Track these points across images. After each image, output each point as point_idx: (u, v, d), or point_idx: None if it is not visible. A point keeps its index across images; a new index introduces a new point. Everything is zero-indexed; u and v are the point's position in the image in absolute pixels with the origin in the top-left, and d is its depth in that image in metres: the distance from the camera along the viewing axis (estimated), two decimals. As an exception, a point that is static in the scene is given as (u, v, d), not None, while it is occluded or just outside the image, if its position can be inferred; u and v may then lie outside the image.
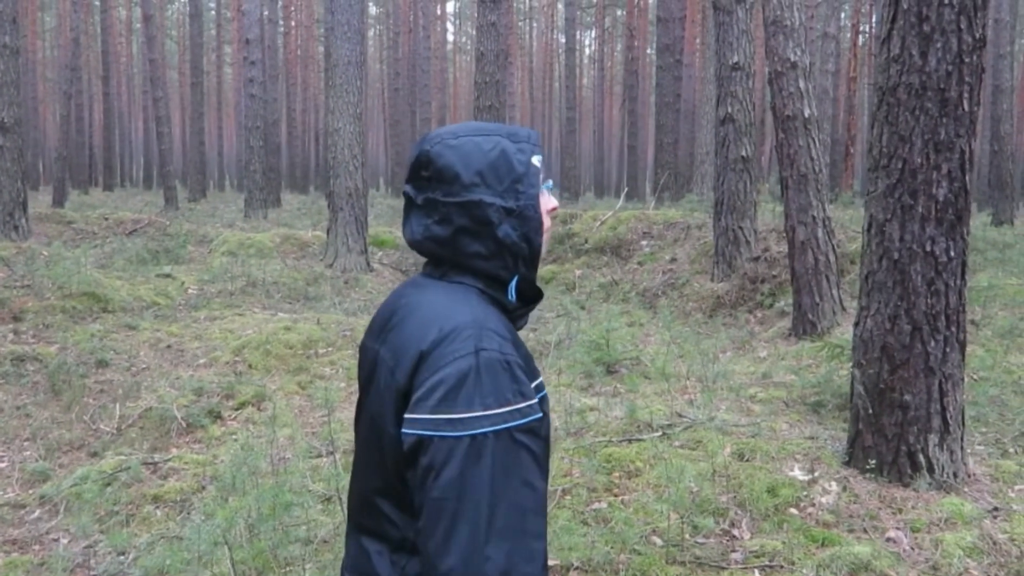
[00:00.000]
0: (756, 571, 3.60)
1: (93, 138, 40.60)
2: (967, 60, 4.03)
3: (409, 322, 1.50)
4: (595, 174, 45.35)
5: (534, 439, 1.37)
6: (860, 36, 24.75)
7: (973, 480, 4.36)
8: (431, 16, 38.00)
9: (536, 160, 1.53)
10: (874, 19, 26.99)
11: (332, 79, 12.62)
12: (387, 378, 1.47)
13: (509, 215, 1.49)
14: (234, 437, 5.76)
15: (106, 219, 14.69)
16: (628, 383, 6.63)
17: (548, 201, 1.59)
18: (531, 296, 1.57)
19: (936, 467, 4.24)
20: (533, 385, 1.44)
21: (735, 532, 3.90)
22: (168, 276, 10.54)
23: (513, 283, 1.53)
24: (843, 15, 29.37)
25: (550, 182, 1.64)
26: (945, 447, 4.27)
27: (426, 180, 1.53)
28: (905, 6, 4.10)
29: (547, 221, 1.58)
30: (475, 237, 1.50)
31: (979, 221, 17.30)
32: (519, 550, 1.31)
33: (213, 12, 49.73)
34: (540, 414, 1.40)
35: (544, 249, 1.59)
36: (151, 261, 12.00)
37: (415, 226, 1.56)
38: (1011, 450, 4.96)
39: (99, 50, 37.01)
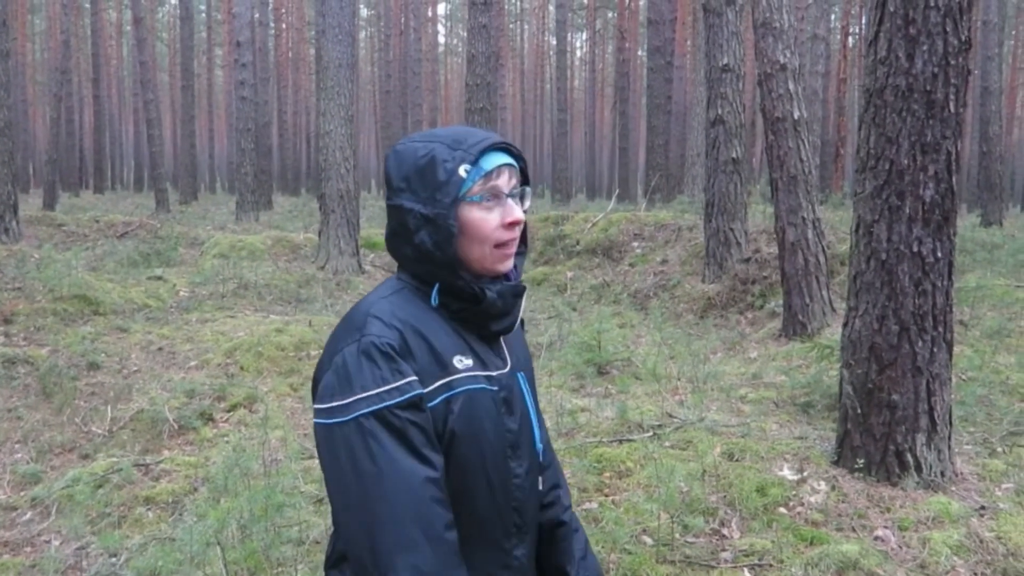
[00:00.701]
0: (745, 570, 3.62)
1: (83, 141, 40.48)
2: (953, 62, 4.06)
3: None
4: (586, 175, 45.46)
5: (417, 413, 1.43)
6: (850, 38, 24.88)
7: (961, 479, 4.39)
8: (422, 18, 38.03)
9: (463, 170, 1.50)
10: (864, 21, 27.10)
11: (323, 81, 12.63)
12: None
13: (427, 222, 1.51)
14: (226, 439, 5.77)
15: (97, 222, 14.65)
16: (619, 384, 6.66)
17: (509, 212, 1.56)
18: (468, 297, 1.55)
19: (924, 466, 4.28)
20: (441, 382, 1.48)
21: (725, 531, 3.93)
22: (159, 278, 10.53)
23: (435, 288, 1.55)
24: (833, 17, 29.49)
25: (528, 189, 1.62)
26: (933, 446, 4.30)
27: None
28: (891, 9, 4.14)
29: (502, 235, 1.55)
30: (402, 241, 1.55)
31: (968, 222, 17.43)
32: (414, 527, 1.38)
33: (204, 15, 49.68)
34: (421, 390, 1.44)
35: (501, 264, 1.57)
36: (142, 263, 11.99)
37: None
38: (999, 449, 5.00)
39: (89, 52, 36.93)
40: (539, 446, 1.67)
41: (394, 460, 1.38)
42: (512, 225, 1.56)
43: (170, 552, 3.69)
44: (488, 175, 1.53)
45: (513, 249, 1.59)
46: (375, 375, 1.41)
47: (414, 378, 1.44)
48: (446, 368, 1.49)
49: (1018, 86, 42.60)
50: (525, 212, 1.60)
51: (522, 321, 1.78)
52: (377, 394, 1.40)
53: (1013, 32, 41.75)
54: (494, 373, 1.57)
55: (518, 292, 1.62)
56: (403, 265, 1.59)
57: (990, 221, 17.59)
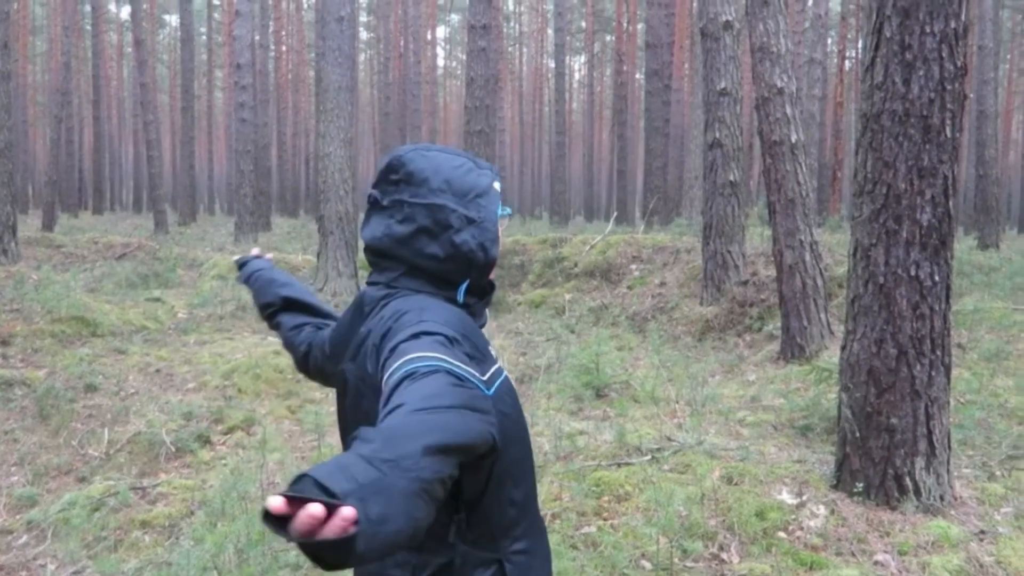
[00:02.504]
0: (745, 595, 3.60)
1: (83, 161, 40.54)
2: (949, 87, 4.09)
3: None
4: (584, 198, 45.52)
5: None
6: (846, 62, 25.04)
7: (960, 503, 4.38)
8: (421, 41, 38.25)
9: (497, 185, 1.67)
10: (860, 45, 27.29)
11: (323, 104, 12.69)
12: None
13: (470, 224, 1.61)
14: (223, 462, 5.75)
15: (96, 243, 14.67)
16: (617, 407, 6.65)
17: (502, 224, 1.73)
18: (482, 291, 1.69)
19: (923, 490, 4.27)
20: (493, 370, 1.58)
21: (724, 556, 3.91)
22: (158, 300, 10.53)
23: (464, 286, 1.64)
24: (829, 41, 29.68)
25: (508, 209, 1.75)
26: (932, 470, 4.29)
27: (395, 183, 1.64)
28: (888, 35, 4.17)
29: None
30: (433, 239, 1.60)
31: (965, 245, 17.44)
32: None
33: (204, 37, 49.92)
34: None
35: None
36: (141, 285, 11.98)
37: (376, 226, 1.66)
38: (998, 473, 4.99)
39: (90, 74, 37.09)
40: None
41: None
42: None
43: (166, 576, 3.68)
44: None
45: None
46: (454, 352, 1.51)
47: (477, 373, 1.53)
48: (490, 357, 1.62)
49: (1013, 109, 42.85)
50: None
51: None
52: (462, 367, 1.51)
53: (1008, 56, 42.04)
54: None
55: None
56: (416, 267, 1.63)
57: (987, 244, 17.60)
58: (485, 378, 1.49)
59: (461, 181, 1.62)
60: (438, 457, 1.12)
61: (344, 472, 1.02)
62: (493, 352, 1.64)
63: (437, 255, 1.60)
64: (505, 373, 1.64)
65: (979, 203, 18.75)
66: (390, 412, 1.24)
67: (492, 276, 1.75)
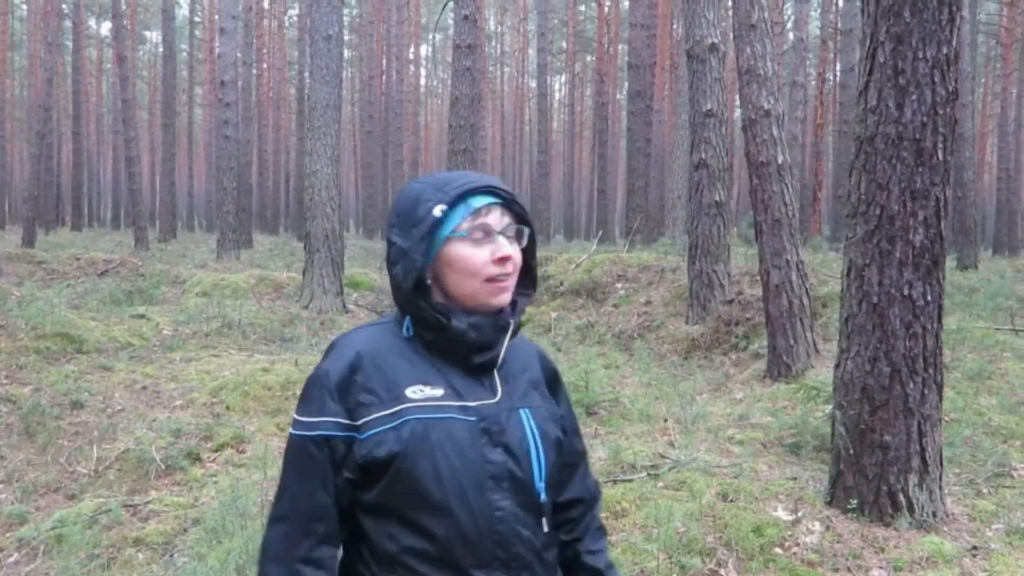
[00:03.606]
0: (744, 611, 3.63)
1: (61, 177, 40.29)
2: (941, 112, 4.18)
3: None
4: (565, 216, 45.67)
5: (322, 450, 1.58)
6: (826, 84, 25.35)
7: (952, 519, 4.44)
8: (403, 60, 38.35)
9: (438, 210, 1.57)
10: (838, 67, 27.63)
11: (310, 122, 12.71)
12: None
13: (403, 256, 1.60)
14: (214, 479, 5.71)
15: (78, 259, 14.56)
16: (608, 425, 6.68)
17: (499, 248, 1.59)
18: (435, 326, 1.59)
19: (916, 507, 4.32)
20: (390, 411, 1.55)
21: (722, 572, 3.94)
22: (142, 317, 10.45)
23: (407, 320, 1.63)
24: (809, 63, 30.03)
25: (525, 229, 1.65)
26: (924, 487, 4.35)
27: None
28: (881, 60, 4.26)
29: (492, 269, 1.58)
30: (390, 271, 1.64)
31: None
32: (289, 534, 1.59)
33: (185, 54, 49.83)
34: (330, 433, 1.57)
35: (495, 299, 1.60)
36: (125, 302, 11.89)
37: None
38: (984, 490, 5.05)
39: (69, 90, 36.90)
40: (539, 485, 1.63)
41: (293, 481, 1.58)
42: (502, 260, 1.59)
43: (165, 594, 3.65)
44: (476, 212, 1.59)
45: (506, 284, 1.61)
46: (308, 407, 1.58)
47: (330, 419, 1.56)
48: (398, 398, 1.56)
49: (988, 133, 43.51)
50: (524, 250, 1.66)
51: (557, 373, 1.87)
52: (305, 422, 1.58)
53: (983, 80, 42.72)
54: (472, 404, 1.58)
55: (500, 326, 1.63)
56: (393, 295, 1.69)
57: (966, 265, 17.85)
58: (359, 423, 1.53)
59: (407, 213, 1.61)
60: None
61: None
62: (414, 394, 1.56)
63: (392, 286, 1.65)
64: (417, 417, 1.54)
65: (957, 224, 19.00)
66: None
67: (487, 307, 1.62)
